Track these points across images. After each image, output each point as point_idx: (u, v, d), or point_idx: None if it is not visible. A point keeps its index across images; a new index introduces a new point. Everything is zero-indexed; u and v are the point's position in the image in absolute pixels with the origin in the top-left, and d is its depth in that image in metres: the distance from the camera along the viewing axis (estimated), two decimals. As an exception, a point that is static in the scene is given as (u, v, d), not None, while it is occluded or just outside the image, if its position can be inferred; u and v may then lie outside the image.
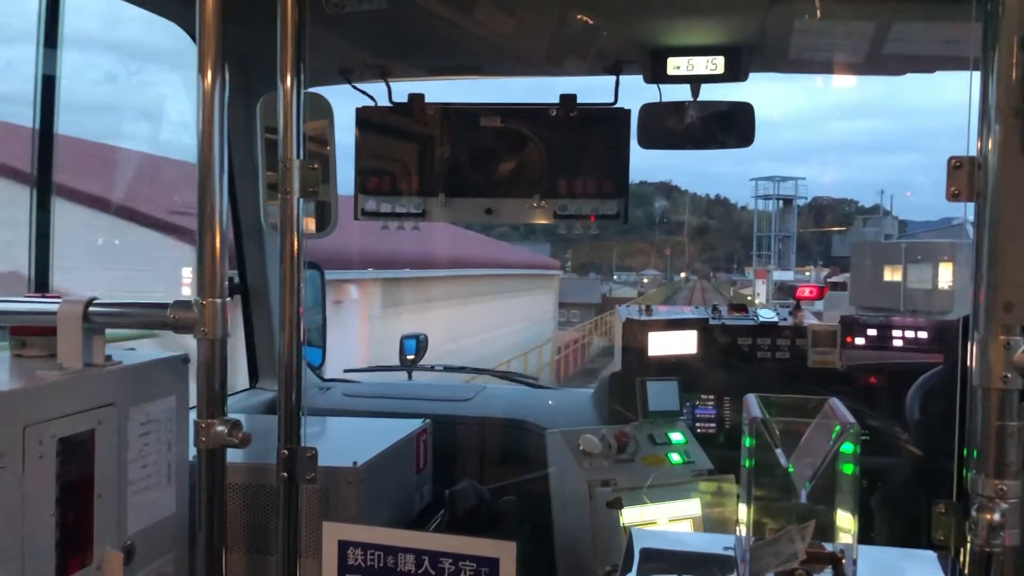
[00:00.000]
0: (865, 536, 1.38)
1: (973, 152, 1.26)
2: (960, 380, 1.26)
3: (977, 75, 1.25)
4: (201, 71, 1.49)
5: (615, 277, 59.57)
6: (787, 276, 46.54)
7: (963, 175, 1.25)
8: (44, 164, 2.14)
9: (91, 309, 1.53)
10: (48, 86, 2.18)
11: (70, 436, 1.42)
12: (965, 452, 1.24)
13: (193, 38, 1.51)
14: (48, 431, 1.38)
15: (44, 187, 2.15)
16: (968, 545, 1.21)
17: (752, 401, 1.38)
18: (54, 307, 1.54)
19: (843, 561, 1.31)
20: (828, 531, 1.31)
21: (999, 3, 1.20)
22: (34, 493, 1.35)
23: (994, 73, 1.21)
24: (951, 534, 1.27)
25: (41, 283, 2.14)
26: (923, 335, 2.98)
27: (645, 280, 60.58)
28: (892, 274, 25.72)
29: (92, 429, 1.47)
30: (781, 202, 61.18)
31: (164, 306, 1.53)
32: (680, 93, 2.50)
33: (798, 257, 59.57)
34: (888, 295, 24.18)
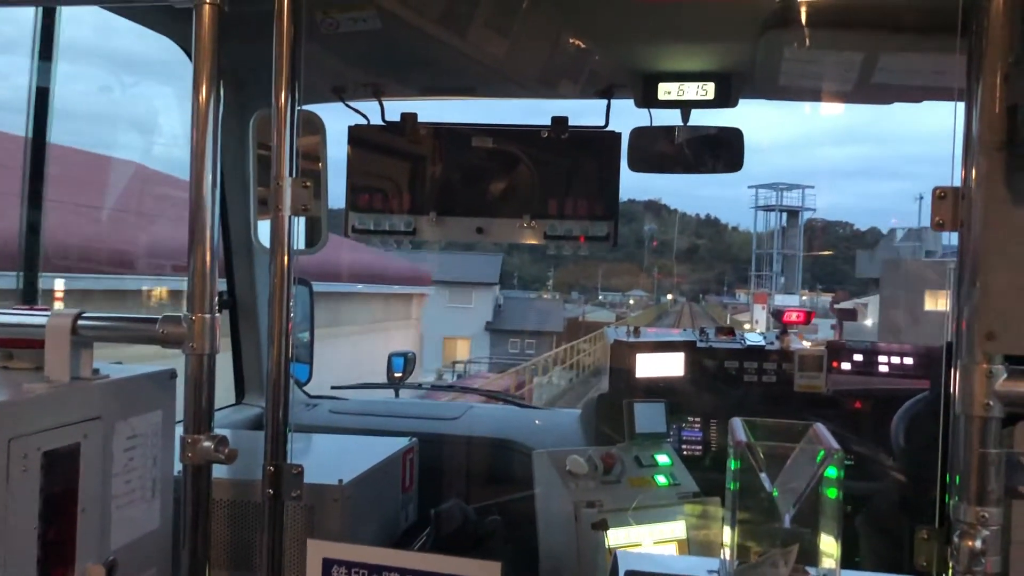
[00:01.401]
0: (848, 561, 1.39)
1: (957, 182, 1.27)
2: (943, 407, 1.27)
3: (961, 106, 1.27)
4: (196, 87, 1.50)
5: (600, 297, 57.92)
6: (791, 301, 39.24)
7: (947, 205, 1.27)
8: (36, 175, 2.14)
9: (80, 323, 1.53)
10: (41, 97, 2.18)
11: (55, 449, 1.42)
12: (948, 479, 1.25)
13: (187, 53, 1.52)
14: (33, 444, 1.37)
15: (35, 198, 2.15)
16: (950, 572, 1.22)
17: (737, 425, 1.39)
18: (43, 320, 1.54)
19: (826, 586, 1.31)
20: (811, 555, 1.32)
21: (983, 37, 1.22)
22: (17, 507, 1.35)
23: (977, 105, 1.22)
24: (933, 560, 1.27)
25: (29, 295, 2.13)
26: (908, 361, 3.00)
27: (631, 301, 58.20)
28: (936, 302, 20.13)
29: (78, 443, 1.47)
30: (784, 214, 52.86)
31: (153, 320, 1.52)
32: (670, 118, 2.53)
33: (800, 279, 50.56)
34: (930, 329, 18.35)
